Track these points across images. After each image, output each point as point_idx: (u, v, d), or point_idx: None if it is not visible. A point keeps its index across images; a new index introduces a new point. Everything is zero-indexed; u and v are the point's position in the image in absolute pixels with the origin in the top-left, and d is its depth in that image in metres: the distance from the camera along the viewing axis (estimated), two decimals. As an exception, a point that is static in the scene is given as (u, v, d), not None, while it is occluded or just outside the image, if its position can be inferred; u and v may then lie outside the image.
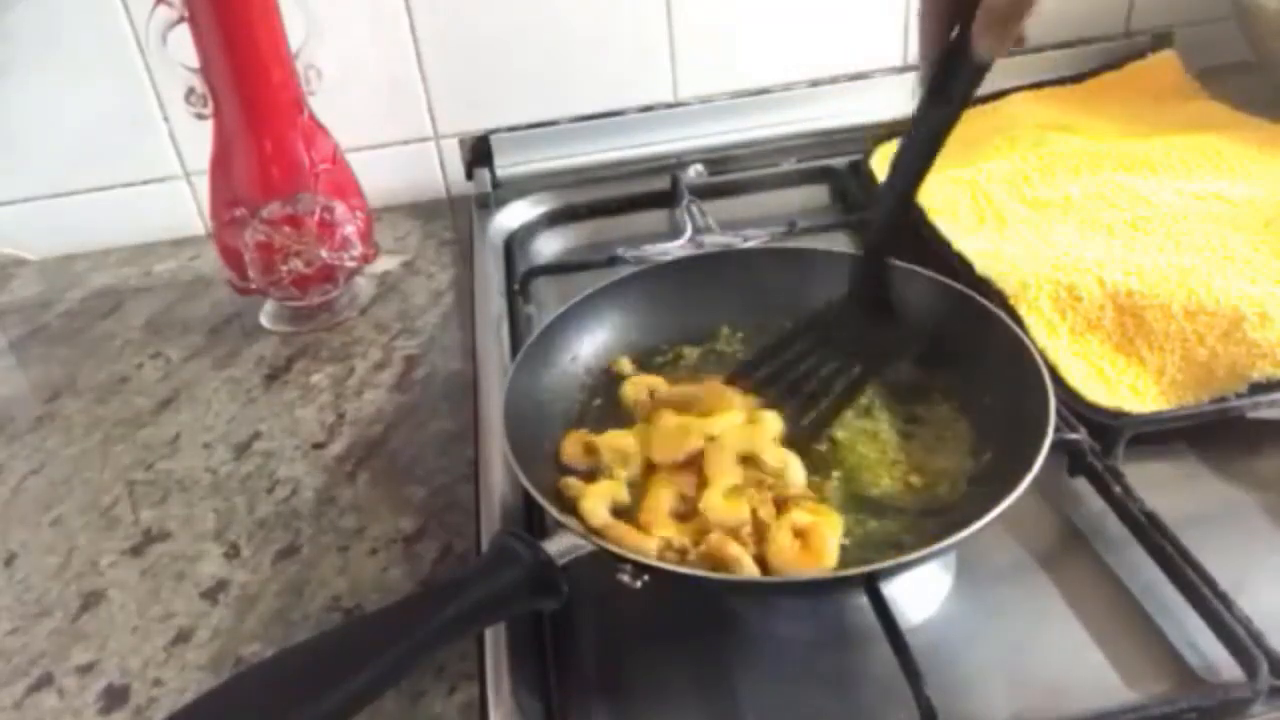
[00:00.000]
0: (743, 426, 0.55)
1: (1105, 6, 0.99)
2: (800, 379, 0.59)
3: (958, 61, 0.49)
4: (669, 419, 0.56)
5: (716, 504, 0.50)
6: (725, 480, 0.51)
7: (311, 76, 0.76)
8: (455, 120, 0.96)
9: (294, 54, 0.74)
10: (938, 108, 0.51)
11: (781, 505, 0.51)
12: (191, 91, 0.74)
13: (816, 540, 0.48)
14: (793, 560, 0.48)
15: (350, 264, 0.79)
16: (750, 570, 0.47)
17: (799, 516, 0.49)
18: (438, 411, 0.69)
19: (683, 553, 0.48)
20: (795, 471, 0.53)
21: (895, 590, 0.50)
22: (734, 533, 0.49)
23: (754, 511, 0.50)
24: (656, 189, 0.89)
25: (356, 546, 0.59)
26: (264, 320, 0.83)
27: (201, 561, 0.59)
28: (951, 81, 0.50)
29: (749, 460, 0.53)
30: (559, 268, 0.82)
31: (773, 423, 0.56)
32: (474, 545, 0.57)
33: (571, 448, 0.57)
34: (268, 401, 0.73)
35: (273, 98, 0.74)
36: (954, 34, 0.49)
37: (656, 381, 0.61)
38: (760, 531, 0.49)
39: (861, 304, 0.60)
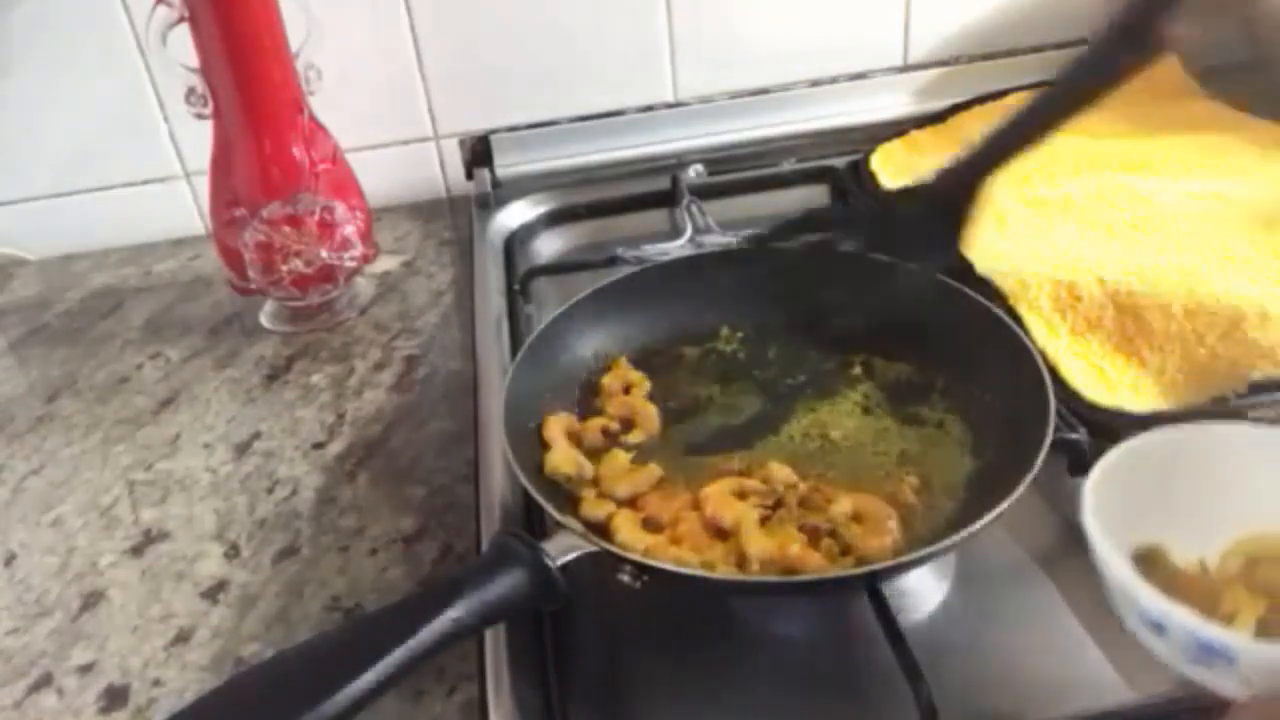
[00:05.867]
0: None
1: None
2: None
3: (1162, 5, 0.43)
4: (620, 456, 0.56)
5: (759, 540, 0.48)
6: (747, 515, 0.50)
7: (311, 76, 0.76)
8: (455, 120, 0.96)
9: (294, 54, 0.74)
10: (1121, 50, 0.46)
11: (806, 505, 0.51)
12: (191, 91, 0.74)
13: (873, 515, 0.49)
14: (870, 541, 0.48)
15: (350, 264, 0.79)
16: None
17: (840, 506, 0.50)
18: (438, 411, 0.69)
19: (741, 564, 0.48)
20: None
21: (895, 590, 0.50)
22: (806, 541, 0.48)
23: (800, 527, 0.49)
24: (656, 189, 0.89)
25: (356, 546, 0.59)
26: (264, 320, 0.83)
27: (201, 561, 0.59)
28: (1147, 25, 0.44)
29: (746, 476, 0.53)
30: (559, 268, 0.82)
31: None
32: (474, 545, 0.57)
33: (553, 431, 0.57)
34: (268, 401, 0.73)
35: (273, 98, 0.74)
36: None
37: (637, 377, 0.61)
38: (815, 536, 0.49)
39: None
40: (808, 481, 0.53)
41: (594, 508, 0.52)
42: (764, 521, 0.50)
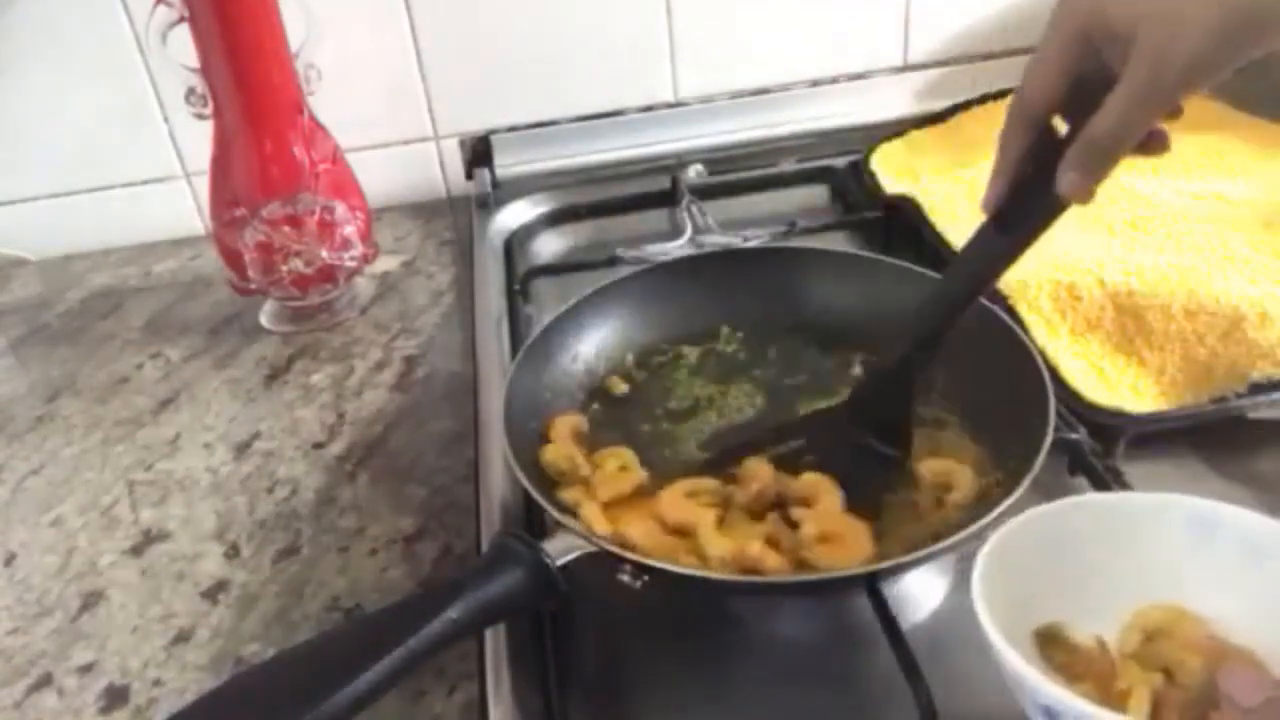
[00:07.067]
0: None
1: (1105, 6, 0.99)
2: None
3: (1035, 193, 0.46)
4: (617, 459, 0.55)
5: (718, 541, 0.48)
6: (704, 517, 0.50)
7: (311, 76, 0.76)
8: (455, 120, 0.96)
9: (294, 54, 0.74)
10: (1001, 235, 0.47)
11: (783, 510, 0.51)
12: (191, 91, 0.74)
13: (840, 534, 0.48)
14: (826, 556, 0.47)
15: (350, 264, 0.79)
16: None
17: (807, 527, 0.49)
18: (438, 411, 0.69)
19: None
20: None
21: (895, 590, 0.50)
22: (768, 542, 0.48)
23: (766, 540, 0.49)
24: (656, 189, 0.89)
25: (356, 546, 0.59)
26: (264, 320, 0.83)
27: (201, 561, 0.59)
28: (1022, 213, 0.47)
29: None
30: (559, 268, 0.82)
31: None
32: (474, 545, 0.57)
33: (559, 430, 0.57)
34: (268, 401, 0.73)
35: (273, 98, 0.74)
36: (1032, 164, 0.46)
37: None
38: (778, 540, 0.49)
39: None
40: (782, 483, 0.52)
41: (567, 494, 0.52)
42: (720, 522, 0.50)
